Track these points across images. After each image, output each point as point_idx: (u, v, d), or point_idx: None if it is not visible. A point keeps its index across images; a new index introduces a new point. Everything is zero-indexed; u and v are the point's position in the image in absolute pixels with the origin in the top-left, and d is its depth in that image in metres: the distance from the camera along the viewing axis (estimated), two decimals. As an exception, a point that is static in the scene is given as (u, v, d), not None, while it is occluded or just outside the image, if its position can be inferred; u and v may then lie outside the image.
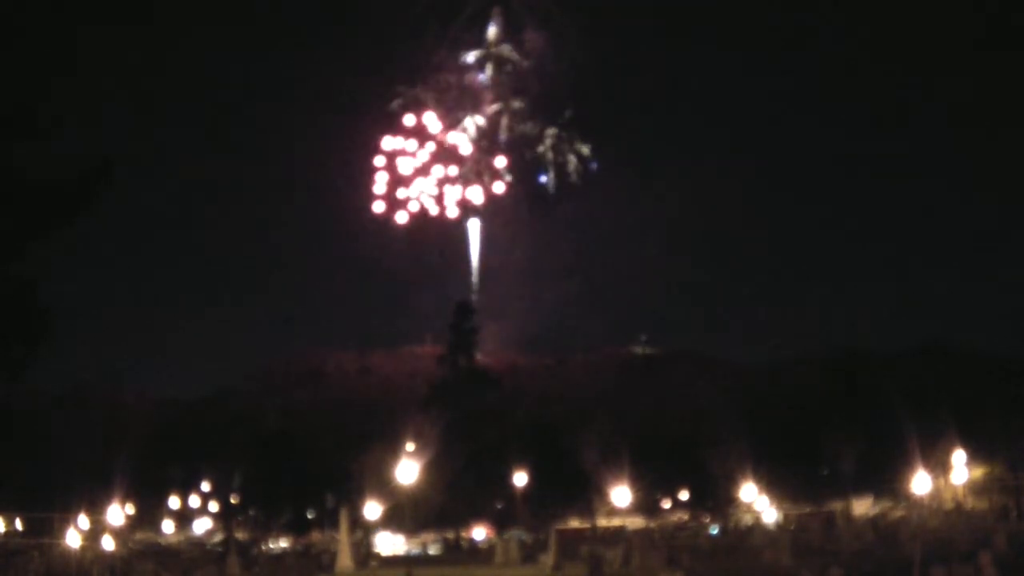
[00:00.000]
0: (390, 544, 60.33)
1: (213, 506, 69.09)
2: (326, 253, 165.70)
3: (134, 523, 61.84)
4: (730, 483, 55.60)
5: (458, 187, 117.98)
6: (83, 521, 47.01)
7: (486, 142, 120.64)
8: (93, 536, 46.78)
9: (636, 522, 60.68)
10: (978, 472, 57.70)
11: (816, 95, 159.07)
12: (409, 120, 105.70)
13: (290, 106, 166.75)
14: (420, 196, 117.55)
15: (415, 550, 56.38)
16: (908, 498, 56.11)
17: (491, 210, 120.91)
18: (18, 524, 55.65)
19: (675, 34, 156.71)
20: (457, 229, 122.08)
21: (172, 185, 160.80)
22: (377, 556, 49.59)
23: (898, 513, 57.60)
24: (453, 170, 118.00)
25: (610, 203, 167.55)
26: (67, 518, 45.00)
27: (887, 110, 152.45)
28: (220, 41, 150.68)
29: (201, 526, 66.78)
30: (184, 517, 68.11)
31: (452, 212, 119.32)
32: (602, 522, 60.98)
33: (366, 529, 57.64)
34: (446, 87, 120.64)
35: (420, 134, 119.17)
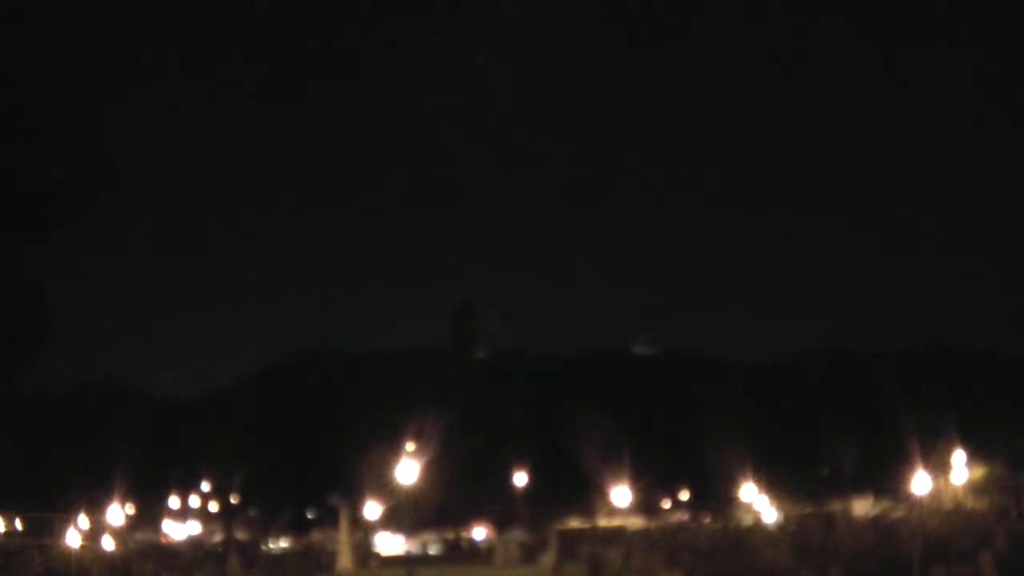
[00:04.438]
0: (390, 544, 60.35)
1: (213, 506, 69.13)
2: (327, 252, 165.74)
3: (134, 523, 61.84)
4: (730, 483, 55.62)
5: None
6: (83, 521, 47.02)
7: None
8: (93, 536, 46.78)
9: (636, 522, 60.69)
10: (978, 472, 57.72)
11: (816, 92, 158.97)
12: None
13: (294, 105, 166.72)
14: None
15: (415, 550, 56.36)
16: (908, 498, 56.12)
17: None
18: (18, 524, 55.66)
19: (677, 32, 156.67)
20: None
21: (173, 184, 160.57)
22: (377, 556, 49.62)
23: (898, 513, 57.63)
24: None
25: (609, 200, 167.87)
26: (67, 518, 45.00)
27: (888, 108, 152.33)
28: (222, 39, 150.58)
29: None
30: (180, 516, 68.18)
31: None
32: (602, 522, 60.98)
33: (366, 529, 57.66)
34: None
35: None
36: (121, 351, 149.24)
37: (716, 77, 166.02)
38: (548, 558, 35.63)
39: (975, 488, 57.79)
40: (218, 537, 66.34)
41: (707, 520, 64.11)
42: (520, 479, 54.43)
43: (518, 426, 64.52)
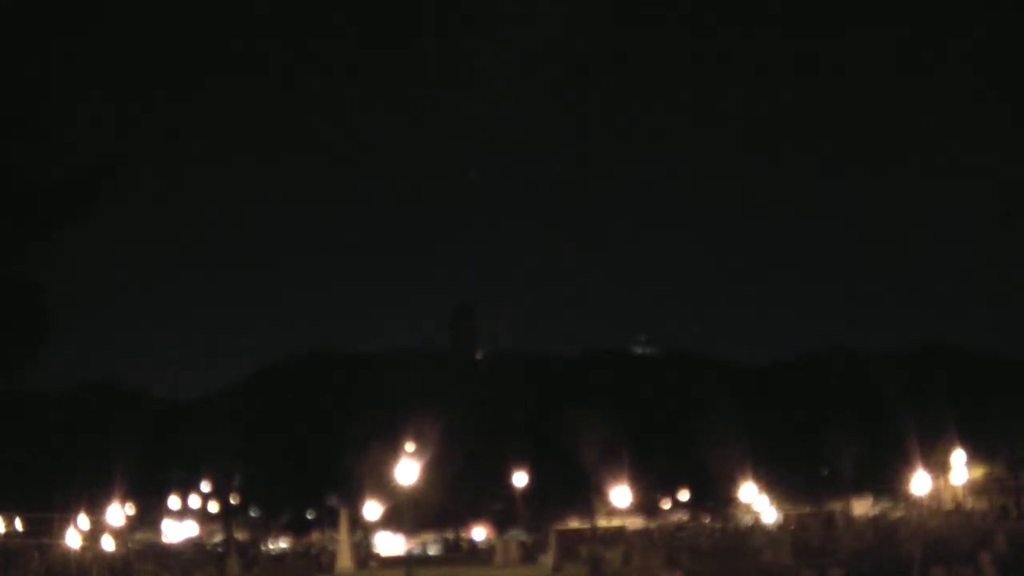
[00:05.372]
0: (390, 544, 60.32)
1: (213, 506, 69.06)
2: (327, 252, 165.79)
3: (134, 523, 61.80)
4: (730, 483, 55.62)
5: None
6: (83, 521, 46.98)
7: None
8: (93, 536, 46.76)
9: (636, 522, 60.67)
10: (978, 472, 57.76)
11: (817, 93, 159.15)
12: None
13: (294, 105, 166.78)
14: None
15: (415, 550, 56.38)
16: (908, 498, 56.17)
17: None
18: (18, 524, 55.64)
19: (678, 31, 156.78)
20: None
21: (174, 184, 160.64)
22: (377, 556, 49.61)
23: (898, 513, 57.67)
24: None
25: (610, 200, 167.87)
26: (67, 518, 44.97)
27: (889, 108, 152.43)
28: (222, 39, 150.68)
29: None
30: (180, 516, 68.14)
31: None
32: (602, 522, 60.97)
33: (366, 529, 57.60)
34: None
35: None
36: (121, 351, 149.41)
37: (717, 78, 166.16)
38: (548, 558, 35.60)
39: (975, 488, 57.83)
40: (218, 537, 66.30)
41: (707, 520, 64.11)
42: (520, 479, 54.33)
43: (518, 426, 64.48)
